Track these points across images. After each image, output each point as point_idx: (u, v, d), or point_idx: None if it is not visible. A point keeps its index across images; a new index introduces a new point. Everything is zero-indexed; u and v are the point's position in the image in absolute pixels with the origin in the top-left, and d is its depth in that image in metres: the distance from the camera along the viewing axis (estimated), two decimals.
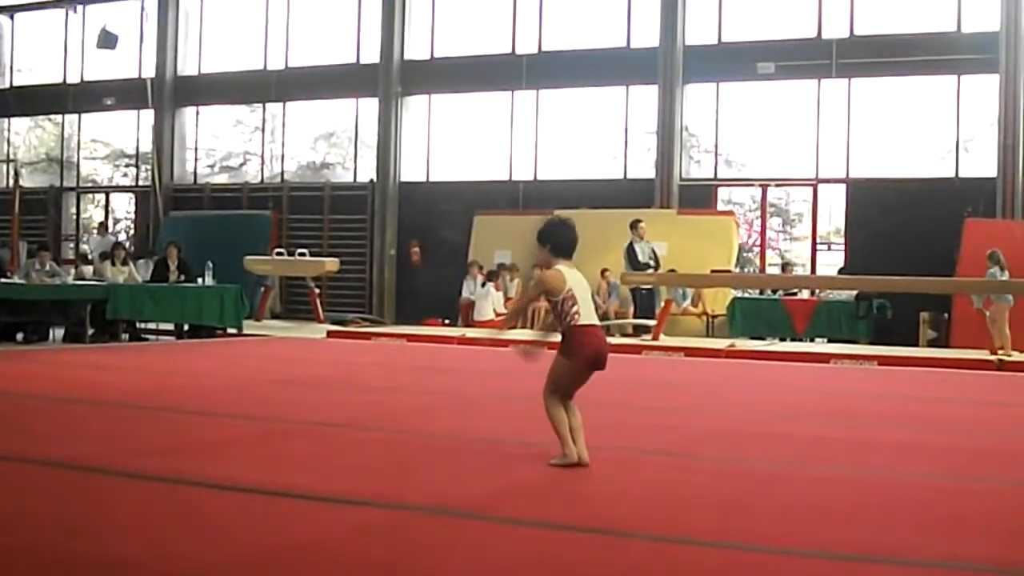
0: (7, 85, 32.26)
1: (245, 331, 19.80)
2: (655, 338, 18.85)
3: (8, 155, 31.06)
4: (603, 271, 21.98)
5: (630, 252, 20.80)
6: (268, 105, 28.81)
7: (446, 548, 4.64)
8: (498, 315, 21.83)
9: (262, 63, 28.59)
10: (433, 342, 18.90)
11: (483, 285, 22.21)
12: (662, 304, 20.03)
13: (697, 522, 5.22)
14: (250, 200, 28.35)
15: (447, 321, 23.41)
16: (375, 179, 26.97)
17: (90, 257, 24.11)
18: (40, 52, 32.23)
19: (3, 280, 17.64)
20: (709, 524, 5.17)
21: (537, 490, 5.93)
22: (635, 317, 20.91)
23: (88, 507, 5.26)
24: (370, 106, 27.24)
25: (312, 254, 24.89)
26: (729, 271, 21.49)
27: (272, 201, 27.91)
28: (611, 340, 18.74)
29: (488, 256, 23.72)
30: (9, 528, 4.78)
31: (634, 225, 21.01)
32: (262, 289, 24.52)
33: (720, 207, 24.13)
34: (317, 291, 24.53)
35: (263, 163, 29.21)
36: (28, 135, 33.47)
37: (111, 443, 7.23)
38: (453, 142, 26.83)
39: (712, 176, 24.37)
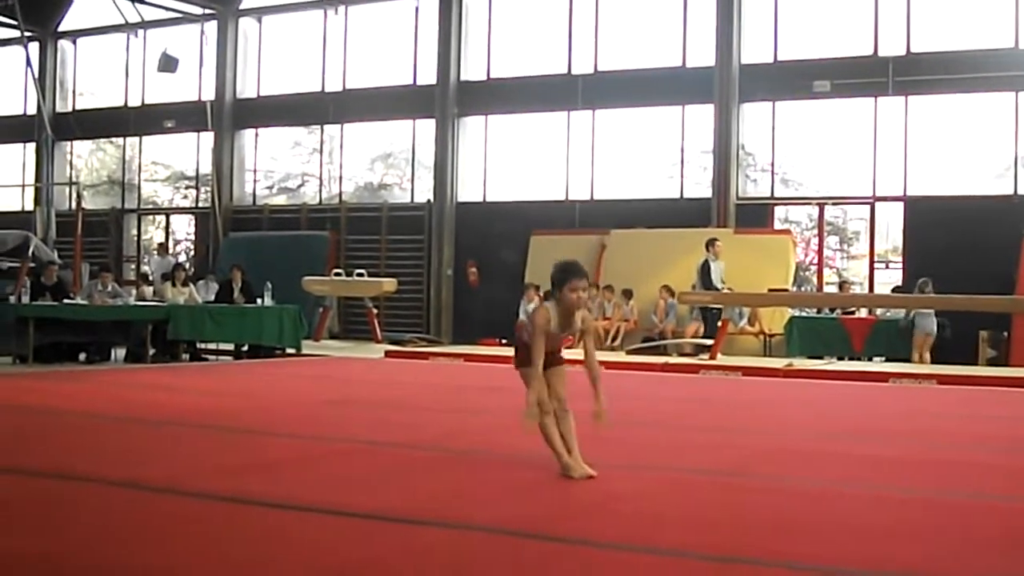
0: (70, 108, 32.70)
1: (304, 351, 19.92)
2: (712, 357, 18.82)
3: (71, 178, 31.39)
4: (662, 288, 21.93)
5: (704, 270, 20.65)
6: (326, 127, 29.02)
7: (505, 568, 4.67)
8: None
9: (320, 85, 28.80)
10: (490, 362, 18.93)
11: None
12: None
13: (753, 542, 5.21)
14: (308, 221, 28.53)
15: (504, 341, 23.43)
16: (432, 199, 27.08)
17: (151, 278, 24.34)
18: (102, 76, 32.63)
19: (66, 301, 17.85)
20: (765, 544, 5.17)
21: (592, 510, 5.94)
22: (703, 336, 20.77)
23: (154, 527, 5.33)
24: (427, 127, 27.37)
25: (370, 274, 25.03)
26: (786, 290, 21.40)
27: (330, 222, 28.09)
28: (668, 360, 18.78)
29: (545, 276, 23.50)
30: (78, 548, 4.87)
31: (710, 244, 20.87)
32: (320, 309, 24.64)
33: (777, 226, 24.05)
34: (375, 311, 24.65)
35: (321, 184, 29.40)
36: (90, 158, 33.87)
37: (173, 463, 7.32)
38: (510, 162, 26.91)
39: (769, 195, 24.30)
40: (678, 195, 24.97)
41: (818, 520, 5.79)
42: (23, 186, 32.52)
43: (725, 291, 20.36)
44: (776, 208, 24.34)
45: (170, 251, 30.28)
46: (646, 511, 5.94)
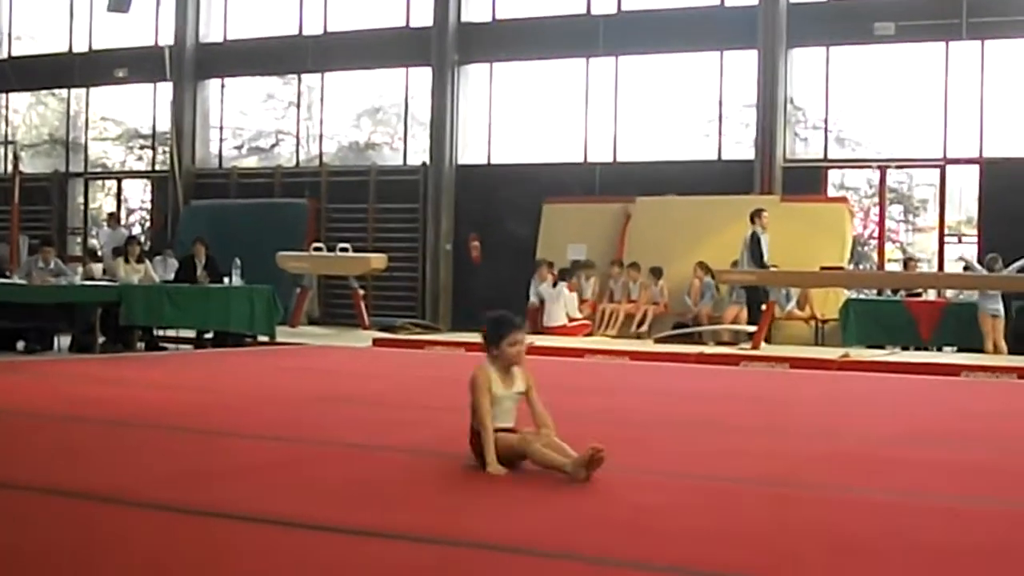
0: (4, 56, 32.64)
1: (278, 339, 19.92)
2: (755, 346, 18.78)
3: (6, 136, 31.42)
4: (697, 265, 21.89)
5: (754, 244, 20.39)
6: (304, 76, 29.02)
7: None
8: (571, 320, 21.83)
9: (297, 28, 28.79)
10: None
11: (554, 286, 22.18)
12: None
13: (805, 562, 5.18)
14: (283, 187, 28.55)
15: None
16: (428, 162, 27.07)
17: (100, 254, 24.34)
18: (42, 17, 32.60)
19: (1, 280, 17.84)
20: (820, 565, 5.13)
21: (619, 525, 5.90)
22: (746, 321, 20.72)
23: (102, 542, 5.30)
24: (422, 77, 27.34)
25: (355, 249, 25.00)
26: (841, 268, 21.35)
27: (309, 188, 28.09)
28: (703, 349, 18.75)
29: (559, 251, 23.71)
30: (11, 567, 4.83)
31: (757, 215, 20.64)
32: (298, 290, 24.65)
33: (831, 193, 24.03)
34: (362, 292, 24.63)
35: (298, 144, 29.41)
36: (29, 113, 33.86)
37: (126, 469, 7.29)
38: (518, 118, 26.87)
39: (821, 156, 24.27)
40: (715, 157, 24.94)
41: (880, 537, 5.75)
42: None
43: (770, 269, 20.33)
44: (830, 172, 24.31)
45: (122, 222, 30.31)
46: (681, 526, 5.91)
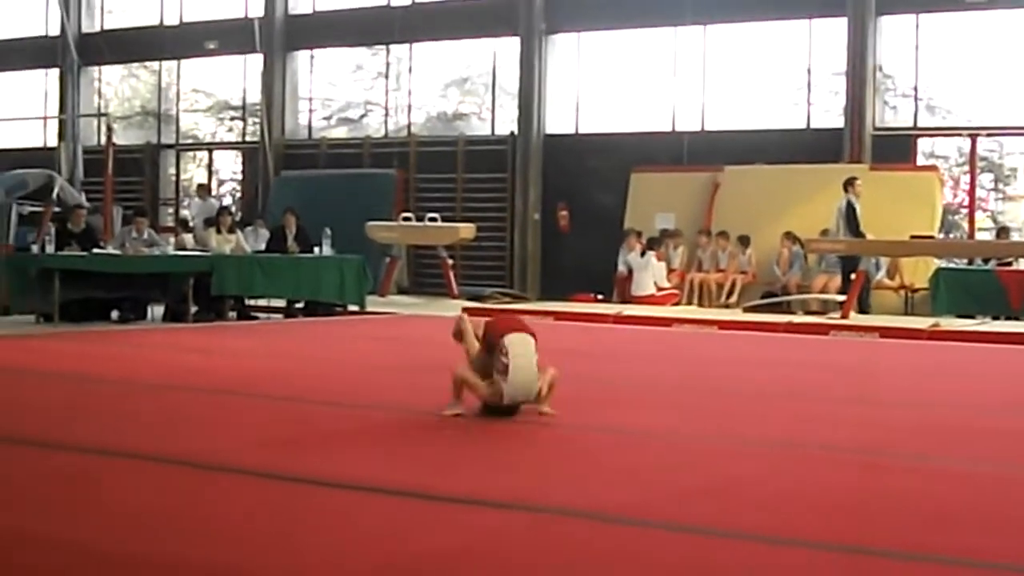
0: (98, 28, 32.91)
1: (368, 308, 20.01)
2: (845, 316, 18.68)
3: (99, 108, 31.68)
4: (784, 235, 21.78)
5: (850, 213, 20.18)
6: (392, 47, 29.04)
7: (615, 559, 4.66)
8: (660, 289, 21.79)
9: None
10: (584, 320, 18.92)
11: (642, 255, 22.15)
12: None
13: (899, 532, 5.16)
14: (372, 157, 28.63)
15: (600, 296, 23.41)
16: (516, 131, 27.06)
17: (191, 224, 24.53)
18: None
19: (96, 251, 18.01)
20: (913, 535, 5.11)
21: (713, 494, 5.90)
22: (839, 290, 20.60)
23: (202, 507, 5.37)
24: (510, 47, 27.30)
25: (444, 219, 25.05)
26: (932, 237, 21.15)
27: (397, 158, 28.15)
28: (792, 319, 18.66)
29: (647, 220, 23.65)
30: (118, 531, 4.91)
31: (851, 183, 20.37)
32: (387, 260, 24.72)
33: (921, 161, 23.80)
34: (450, 262, 24.67)
35: (387, 114, 29.48)
36: (121, 85, 34.17)
37: (222, 436, 7.39)
38: (606, 87, 26.79)
39: (911, 124, 24.04)
40: (804, 125, 24.76)
41: (972, 507, 5.72)
42: (45, 119, 32.89)
43: (847, 239, 20.18)
44: (920, 140, 24.08)
45: (213, 193, 30.52)
46: (774, 495, 5.90)
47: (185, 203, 31.23)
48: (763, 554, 4.78)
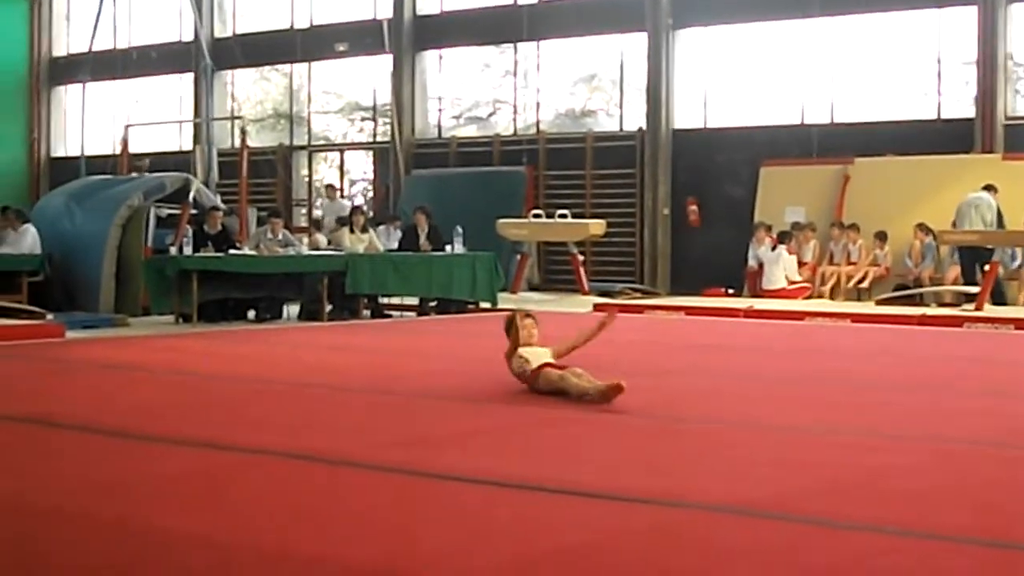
0: (230, 33, 33.30)
1: (500, 305, 20.07)
2: (978, 308, 18.43)
3: (233, 111, 32.03)
4: (917, 226, 21.53)
5: (1000, 217, 20.23)
6: (520, 45, 29.08)
7: (750, 554, 4.65)
8: (791, 283, 21.64)
9: None
10: (715, 315, 18.86)
11: (773, 249, 22.01)
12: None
13: None
14: (502, 155, 28.70)
15: (731, 291, 23.31)
16: (644, 127, 26.99)
17: (322, 224, 24.71)
18: None
19: (232, 252, 18.25)
20: None
21: (852, 488, 5.85)
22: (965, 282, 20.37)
23: (337, 503, 5.44)
24: (637, 42, 27.23)
25: (574, 215, 25.06)
26: None
27: (527, 155, 28.20)
28: (926, 311, 18.45)
29: (777, 214, 23.50)
30: (253, 528, 4.98)
31: (994, 188, 20.45)
32: (518, 257, 24.76)
33: None
34: (581, 258, 24.66)
35: (515, 112, 29.53)
36: (254, 88, 34.53)
37: (356, 433, 7.47)
38: (734, 81, 26.64)
39: None
40: (934, 115, 24.44)
41: None
42: (180, 122, 33.35)
43: (981, 230, 19.92)
44: None
45: (344, 192, 30.72)
46: (915, 489, 5.84)
47: (318, 203, 31.46)
48: (913, 550, 4.74)
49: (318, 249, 20.75)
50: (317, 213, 29.83)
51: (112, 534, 4.87)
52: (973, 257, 20.29)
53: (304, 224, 28.97)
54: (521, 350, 9.10)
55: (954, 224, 20.37)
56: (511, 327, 9.26)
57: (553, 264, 26.97)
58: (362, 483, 5.95)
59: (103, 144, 33.64)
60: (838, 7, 24.87)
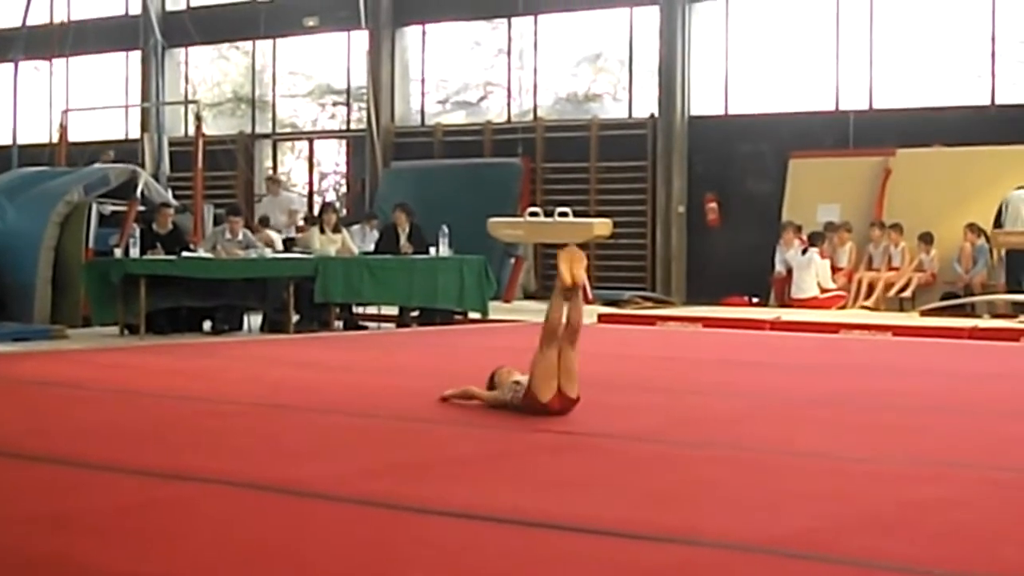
0: (182, 5, 33.29)
1: (491, 316, 20.07)
2: None
3: (186, 95, 32.04)
4: (968, 227, 21.52)
5: None
6: (515, 20, 29.09)
7: None
8: (824, 291, 21.66)
9: None
10: (737, 327, 18.87)
11: (803, 252, 22.02)
12: None
13: None
14: (494, 145, 28.72)
15: (755, 300, 23.33)
16: (656, 113, 27.02)
17: (271, 223, 24.74)
18: None
19: (185, 254, 18.23)
20: None
21: (887, 522, 5.87)
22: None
23: (303, 541, 5.43)
24: (648, 17, 27.27)
25: (576, 213, 25.03)
26: None
27: (522, 145, 28.20)
28: (977, 323, 18.46)
29: (808, 212, 23.53)
30: (212, 567, 4.98)
31: None
32: (512, 261, 24.78)
33: None
34: (584, 262, 24.62)
35: (509, 96, 29.55)
36: (211, 68, 34.50)
37: (327, 461, 7.45)
38: (759, 62, 26.67)
39: None
40: (987, 101, 24.48)
41: None
42: (126, 107, 33.33)
43: None
44: None
45: (314, 188, 30.64)
46: (957, 523, 5.86)
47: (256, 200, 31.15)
48: None
49: (271, 248, 20.62)
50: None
51: (45, 574, 4.87)
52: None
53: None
54: (514, 376, 9.45)
55: (998, 223, 20.39)
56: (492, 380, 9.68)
57: (552, 269, 26.83)
58: (331, 518, 5.93)
59: (38, 132, 33.56)
60: None
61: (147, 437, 8.43)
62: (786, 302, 22.09)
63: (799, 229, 22.57)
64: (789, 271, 22.27)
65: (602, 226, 24.16)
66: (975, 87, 24.67)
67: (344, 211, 26.78)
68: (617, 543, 5.38)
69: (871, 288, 22.12)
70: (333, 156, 33.21)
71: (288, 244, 22.09)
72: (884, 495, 6.45)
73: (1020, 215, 20.29)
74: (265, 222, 24.50)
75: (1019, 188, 20.61)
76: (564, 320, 9.51)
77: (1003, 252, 21.03)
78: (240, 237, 19.08)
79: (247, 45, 32.98)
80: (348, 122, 31.71)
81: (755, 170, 25.57)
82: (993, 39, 24.43)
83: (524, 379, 9.17)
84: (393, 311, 20.25)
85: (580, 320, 9.60)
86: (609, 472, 7.14)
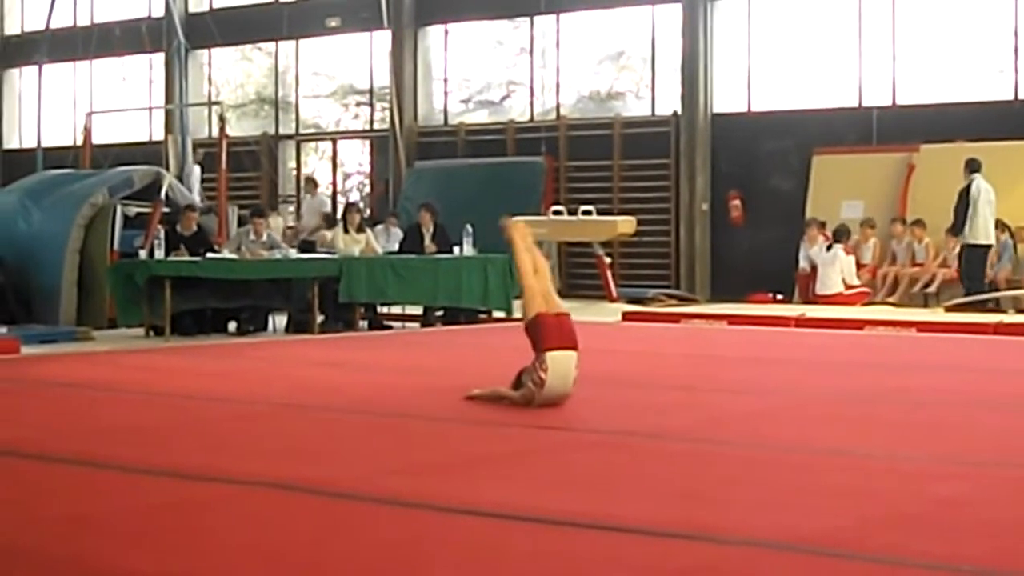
0: (207, 7, 33.31)
1: (515, 315, 20.03)
2: None
3: (210, 97, 32.02)
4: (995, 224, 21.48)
5: None
6: (537, 19, 29.05)
7: None
8: (848, 287, 21.60)
9: None
10: (762, 324, 18.83)
11: (828, 248, 21.97)
12: None
13: None
14: (517, 143, 28.68)
15: (779, 297, 23.28)
16: (680, 111, 26.96)
17: (302, 224, 24.69)
18: None
19: (210, 256, 18.22)
20: None
21: (916, 520, 5.84)
22: None
23: (330, 540, 5.42)
24: (671, 14, 27.22)
25: (600, 211, 25.02)
26: None
27: (545, 144, 28.17)
28: (1002, 319, 18.41)
29: (832, 209, 23.46)
30: (234, 569, 4.97)
31: None
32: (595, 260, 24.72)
33: None
34: (607, 260, 24.63)
35: (532, 95, 29.51)
36: (234, 70, 34.52)
37: (354, 460, 7.46)
38: (783, 59, 26.61)
39: None
40: (1011, 96, 24.39)
41: None
42: (150, 109, 33.34)
43: None
44: None
45: (338, 187, 30.65)
46: (984, 520, 5.83)
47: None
48: None
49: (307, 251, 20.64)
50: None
51: (71, 575, 4.87)
52: None
53: (292, 223, 28.86)
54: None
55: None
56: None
57: (576, 267, 26.95)
58: (359, 517, 5.93)
59: (63, 134, 33.61)
60: None
61: (172, 438, 8.44)
62: (811, 299, 22.04)
63: (823, 225, 22.52)
64: (813, 268, 22.22)
65: (626, 224, 24.17)
66: (998, 82, 24.58)
67: (368, 211, 26.76)
68: (643, 541, 5.37)
69: (896, 284, 22.09)
70: (356, 156, 33.22)
71: (305, 246, 22.11)
72: (911, 492, 6.43)
73: None
74: (259, 213, 24.52)
75: None
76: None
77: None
78: (264, 238, 19.09)
79: (270, 46, 32.97)
80: (371, 122, 31.70)
81: (779, 167, 25.50)
82: (1016, 34, 24.33)
83: (543, 373, 9.23)
84: (417, 311, 20.23)
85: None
86: (635, 470, 7.12)
